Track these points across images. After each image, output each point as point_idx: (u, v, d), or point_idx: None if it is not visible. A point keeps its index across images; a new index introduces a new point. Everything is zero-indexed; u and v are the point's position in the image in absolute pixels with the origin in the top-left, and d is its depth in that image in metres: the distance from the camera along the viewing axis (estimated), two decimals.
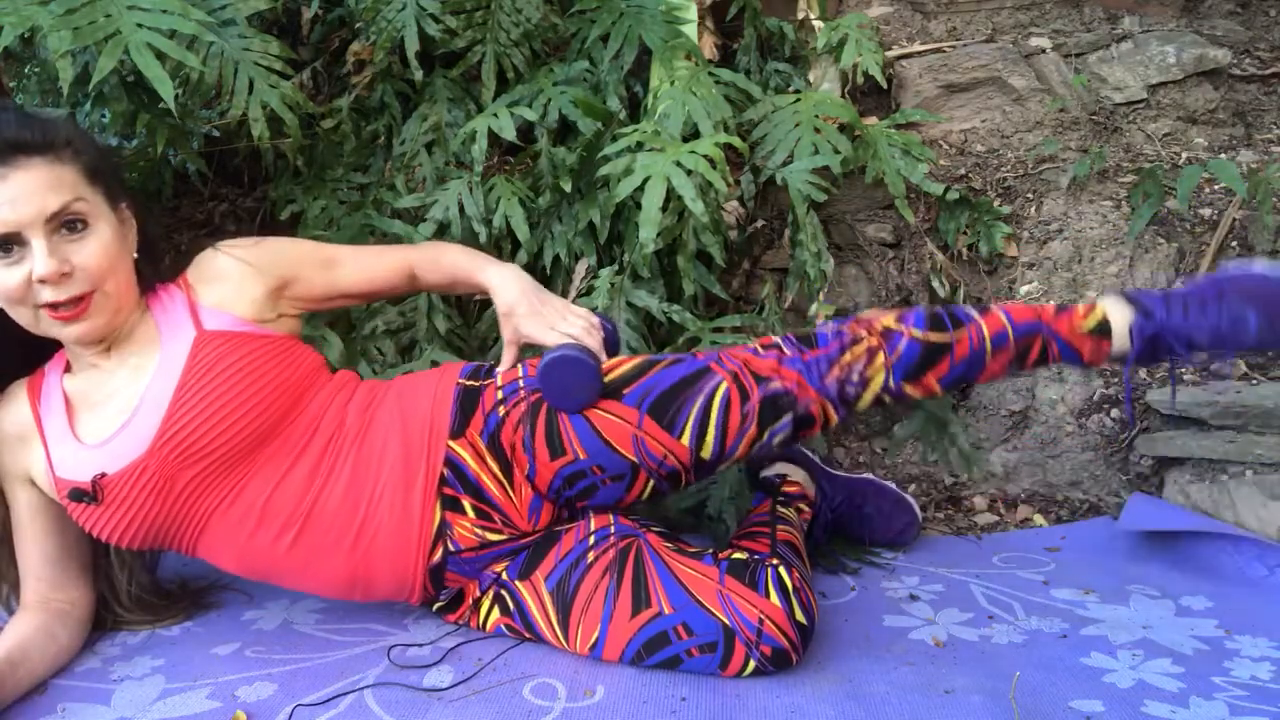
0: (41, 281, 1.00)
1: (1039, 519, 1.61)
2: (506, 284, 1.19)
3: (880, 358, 1.11)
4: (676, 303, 1.66)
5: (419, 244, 1.31)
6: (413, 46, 1.82)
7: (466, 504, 1.13)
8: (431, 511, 1.12)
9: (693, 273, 1.66)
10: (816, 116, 1.78)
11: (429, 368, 1.45)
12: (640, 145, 1.59)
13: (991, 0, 2.17)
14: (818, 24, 2.08)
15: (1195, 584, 1.30)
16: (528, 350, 1.23)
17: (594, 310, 1.24)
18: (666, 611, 1.04)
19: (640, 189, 1.51)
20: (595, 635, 1.07)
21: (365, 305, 1.64)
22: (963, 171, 1.96)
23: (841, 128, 1.81)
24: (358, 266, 1.24)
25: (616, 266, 1.67)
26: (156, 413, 1.05)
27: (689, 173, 1.50)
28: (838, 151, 1.73)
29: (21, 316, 1.04)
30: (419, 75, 1.85)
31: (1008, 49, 2.04)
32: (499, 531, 1.14)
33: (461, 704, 1.00)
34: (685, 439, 1.09)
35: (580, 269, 1.72)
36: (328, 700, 1.01)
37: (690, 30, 1.85)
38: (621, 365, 1.14)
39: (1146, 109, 2.01)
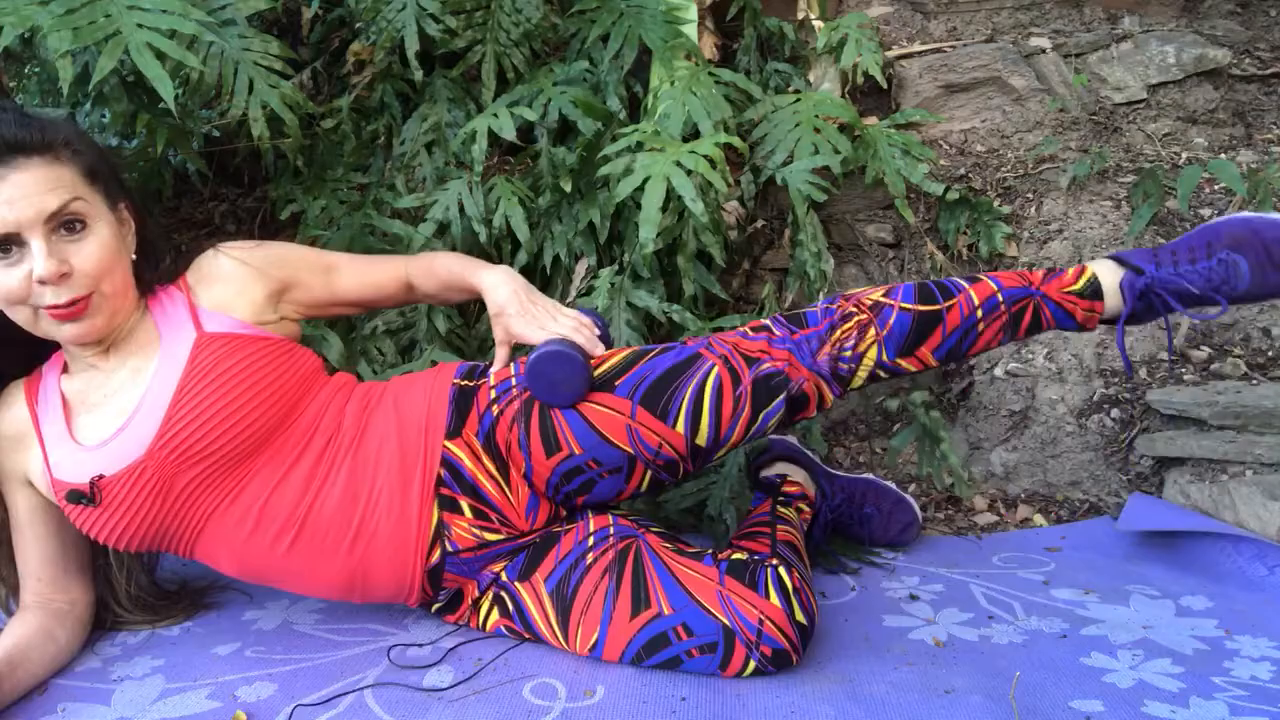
0: (41, 282, 1.00)
1: (1039, 519, 1.61)
2: (498, 285, 1.20)
3: (871, 332, 1.11)
4: (676, 303, 1.66)
5: (414, 255, 1.32)
6: (413, 46, 1.82)
7: (464, 504, 1.13)
8: (429, 512, 1.12)
9: (693, 273, 1.66)
10: (816, 116, 1.78)
11: (428, 368, 1.45)
12: (640, 145, 1.59)
13: (991, 0, 2.17)
14: (818, 24, 2.08)
15: (1195, 584, 1.30)
16: (519, 350, 1.24)
17: (591, 309, 1.24)
18: (666, 612, 1.04)
19: (640, 189, 1.51)
20: (595, 636, 1.07)
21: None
22: (963, 171, 1.96)
23: (841, 128, 1.81)
24: (356, 274, 1.25)
25: (616, 266, 1.67)
26: (155, 415, 1.05)
27: (689, 173, 1.50)
28: (838, 151, 1.73)
29: (20, 316, 1.04)
30: (419, 75, 1.85)
31: (1008, 49, 2.04)
32: (497, 531, 1.14)
33: (461, 704, 1.00)
34: (680, 427, 1.09)
35: (580, 269, 1.72)
36: (328, 700, 1.01)
37: (690, 30, 1.85)
38: (611, 358, 1.14)
39: (1146, 109, 2.01)
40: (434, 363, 1.60)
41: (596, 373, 1.11)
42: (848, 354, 1.11)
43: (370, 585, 1.13)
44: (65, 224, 1.02)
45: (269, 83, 1.66)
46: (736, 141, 1.60)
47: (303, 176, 1.93)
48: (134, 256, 1.12)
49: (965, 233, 1.88)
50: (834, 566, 1.41)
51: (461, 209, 1.74)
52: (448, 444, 1.14)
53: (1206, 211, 1.83)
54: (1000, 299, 1.13)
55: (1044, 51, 2.06)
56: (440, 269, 1.26)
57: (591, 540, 1.13)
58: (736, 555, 1.10)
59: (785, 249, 1.91)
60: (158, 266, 1.15)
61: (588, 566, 1.10)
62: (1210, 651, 1.09)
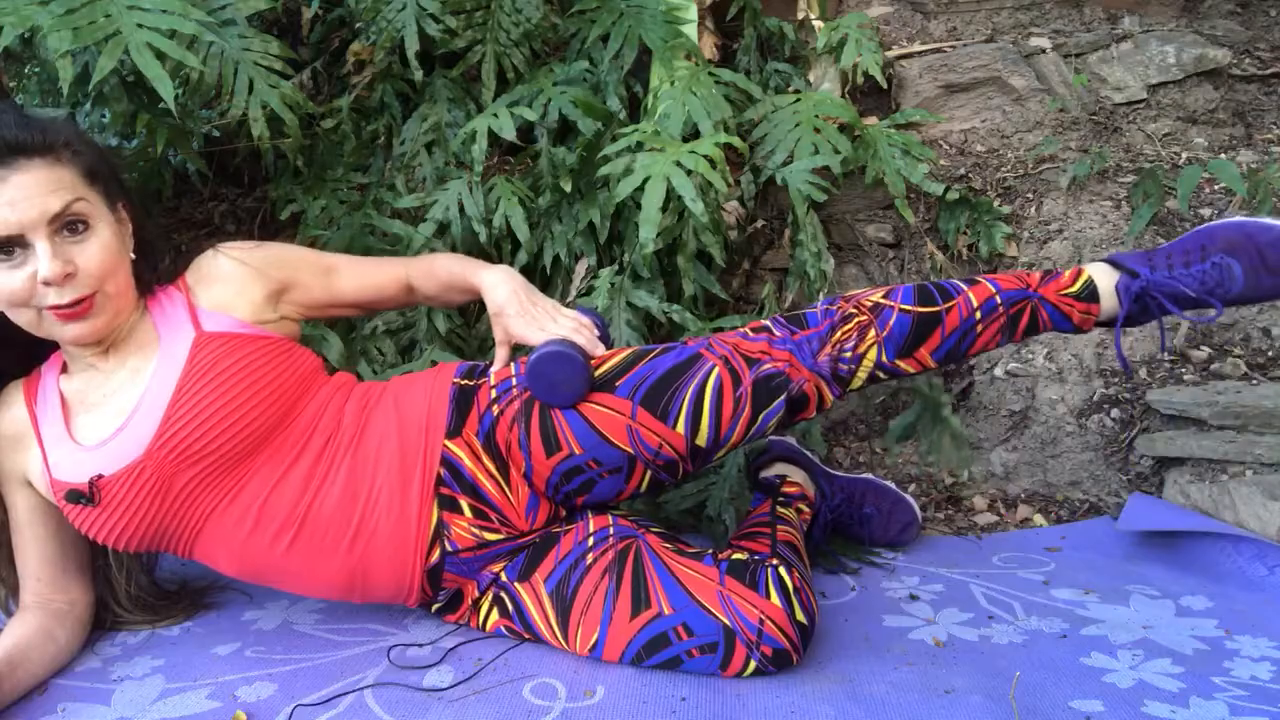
0: (46, 283, 1.00)
1: (1039, 519, 1.61)
2: (497, 285, 1.20)
3: (871, 333, 1.11)
4: (676, 303, 1.66)
5: (415, 257, 1.32)
6: (413, 46, 1.82)
7: (464, 504, 1.13)
8: (429, 511, 1.12)
9: (693, 273, 1.66)
10: (816, 116, 1.78)
11: (428, 368, 1.45)
12: (640, 145, 1.59)
13: (991, 0, 2.17)
14: (818, 24, 2.08)
15: (1195, 584, 1.30)
16: (519, 350, 1.24)
17: (591, 309, 1.24)
18: (666, 612, 1.04)
19: (640, 189, 1.51)
20: (595, 636, 1.07)
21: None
22: (963, 171, 1.96)
23: (841, 128, 1.81)
24: (356, 275, 1.25)
25: (616, 266, 1.67)
26: (155, 414, 1.05)
27: (689, 173, 1.50)
28: (838, 151, 1.73)
29: (23, 318, 1.04)
30: (419, 75, 1.85)
31: (1008, 49, 2.04)
32: (496, 531, 1.14)
33: (461, 704, 1.00)
34: (680, 427, 1.09)
35: (580, 269, 1.72)
36: (328, 700, 1.01)
37: (690, 30, 1.85)
38: (612, 358, 1.14)
39: (1146, 109, 2.01)
40: (434, 363, 1.60)
41: (597, 373, 1.11)
42: (848, 355, 1.11)
43: (370, 585, 1.13)
44: (68, 225, 1.02)
45: (269, 83, 1.66)
46: (736, 141, 1.60)
47: (303, 176, 1.93)
48: (133, 256, 1.12)
49: (965, 233, 1.88)
50: (834, 566, 1.41)
51: (461, 209, 1.74)
52: (448, 443, 1.14)
53: (1206, 211, 1.83)
54: (998, 301, 1.14)
55: (1044, 51, 2.06)
56: (440, 270, 1.27)
57: (591, 540, 1.13)
58: (737, 555, 1.10)
59: (785, 249, 1.91)
60: (156, 267, 1.15)
61: (588, 567, 1.10)
62: (1210, 651, 1.09)
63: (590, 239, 1.72)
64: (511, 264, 1.75)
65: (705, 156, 1.51)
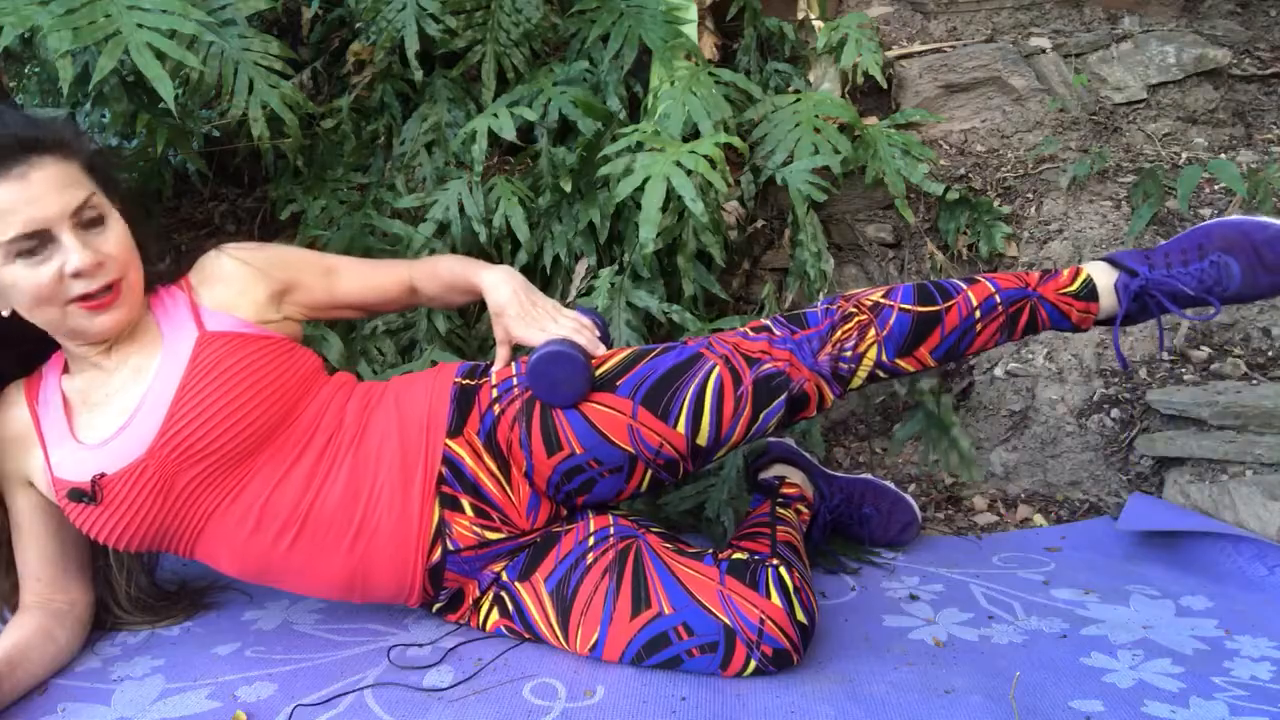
0: (77, 275, 1.02)
1: (1039, 519, 1.61)
2: (498, 285, 1.20)
3: (871, 332, 1.11)
4: (676, 303, 1.66)
5: (417, 259, 1.32)
6: (413, 46, 1.82)
7: (465, 502, 1.13)
8: (430, 510, 1.12)
9: (693, 273, 1.66)
10: (816, 116, 1.78)
11: (428, 368, 1.45)
12: (640, 145, 1.59)
13: (991, 0, 2.18)
14: (818, 24, 2.08)
15: (1195, 584, 1.30)
16: (519, 350, 1.24)
17: (591, 309, 1.24)
18: (667, 612, 1.04)
19: (640, 189, 1.51)
20: (595, 636, 1.07)
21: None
22: (963, 171, 1.96)
23: (841, 128, 1.81)
24: (358, 277, 1.25)
25: (616, 266, 1.67)
26: (157, 413, 1.06)
27: (689, 173, 1.50)
28: (838, 151, 1.73)
29: (47, 316, 1.05)
30: (419, 75, 1.85)
31: (1008, 49, 2.04)
32: (497, 530, 1.14)
33: (461, 704, 1.00)
34: (680, 427, 1.09)
35: (580, 269, 1.72)
36: (328, 700, 1.01)
37: (690, 30, 1.85)
38: (612, 357, 1.14)
39: (1146, 109, 2.01)
40: (434, 363, 1.60)
41: (598, 372, 1.11)
42: (848, 354, 1.11)
43: (371, 583, 1.13)
44: (87, 218, 1.04)
45: (269, 83, 1.66)
46: (736, 141, 1.60)
47: (303, 176, 1.93)
48: None
49: (965, 233, 1.88)
50: (834, 566, 1.41)
51: (461, 209, 1.74)
52: (449, 442, 1.14)
53: (1206, 211, 1.83)
54: (998, 300, 1.14)
55: (1044, 51, 2.06)
56: (443, 271, 1.27)
57: (592, 540, 1.13)
58: (737, 555, 1.10)
59: (785, 249, 1.91)
60: (153, 265, 1.16)
61: (588, 566, 1.10)
62: (1210, 651, 1.09)
63: (590, 239, 1.72)
64: (511, 264, 1.75)
65: (705, 156, 1.51)
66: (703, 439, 1.10)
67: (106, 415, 1.09)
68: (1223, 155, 1.93)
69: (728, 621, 1.02)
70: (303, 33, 2.08)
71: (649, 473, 1.12)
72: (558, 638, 1.10)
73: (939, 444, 1.59)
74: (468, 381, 1.18)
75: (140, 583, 1.26)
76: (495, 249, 1.76)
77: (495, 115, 1.71)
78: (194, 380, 1.06)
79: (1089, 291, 1.16)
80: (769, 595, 1.04)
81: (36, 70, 2.16)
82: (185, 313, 1.12)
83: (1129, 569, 1.37)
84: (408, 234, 1.72)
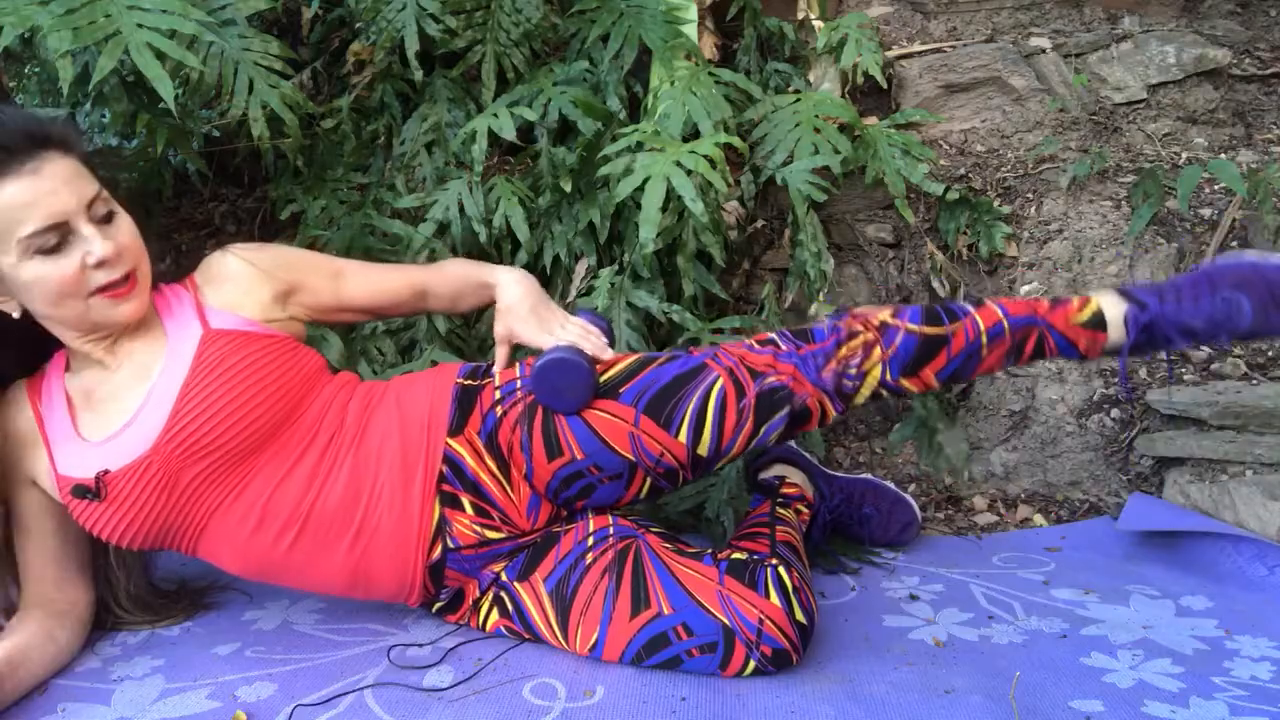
0: (100, 264, 1.03)
1: (1039, 519, 1.61)
2: (511, 283, 1.21)
3: (877, 351, 1.11)
4: (676, 303, 1.66)
5: (427, 264, 1.32)
6: (413, 46, 1.82)
7: (465, 501, 1.13)
8: (430, 508, 1.12)
9: (693, 273, 1.66)
10: (816, 116, 1.77)
11: (428, 368, 1.45)
12: (640, 145, 1.59)
13: (991, 0, 2.17)
14: (818, 24, 2.08)
15: (1195, 584, 1.30)
16: (519, 351, 1.24)
17: (595, 313, 1.25)
18: (666, 612, 1.04)
19: (640, 189, 1.51)
20: (595, 636, 1.07)
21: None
22: (963, 171, 1.96)
23: (841, 128, 1.81)
24: (365, 280, 1.25)
25: (616, 266, 1.67)
26: (162, 410, 1.06)
27: (689, 173, 1.50)
28: (838, 151, 1.73)
29: (71, 310, 1.05)
30: (419, 75, 1.85)
31: (1008, 49, 2.04)
32: (498, 529, 1.14)
33: (461, 704, 1.00)
34: (682, 436, 1.09)
35: (580, 269, 1.72)
36: (328, 700, 1.01)
37: (690, 30, 1.85)
38: (617, 364, 1.14)
39: (1146, 109, 2.01)
40: (434, 363, 1.61)
41: (602, 379, 1.11)
42: (852, 371, 1.11)
43: (372, 581, 1.13)
44: (100, 213, 1.05)
45: (269, 83, 1.66)
46: (736, 141, 1.60)
47: (303, 176, 1.93)
48: None
49: (965, 233, 1.88)
50: (834, 566, 1.41)
51: (461, 209, 1.74)
52: (450, 441, 1.14)
53: (1206, 211, 1.83)
54: (1005, 325, 1.14)
55: (1044, 51, 2.06)
56: (453, 272, 1.28)
57: (591, 540, 1.13)
58: (736, 555, 1.10)
59: (785, 249, 1.91)
60: (153, 265, 1.16)
61: (587, 566, 1.10)
62: (1210, 651, 1.09)
63: (590, 239, 1.72)
64: (511, 264, 1.75)
65: (705, 156, 1.51)
66: (704, 449, 1.10)
67: (110, 412, 1.09)
68: (1223, 155, 1.93)
69: (727, 622, 1.02)
70: (303, 33, 2.08)
71: (648, 480, 1.13)
72: (557, 638, 1.10)
73: (929, 449, 1.59)
74: (469, 382, 1.18)
75: (140, 582, 1.26)
76: (495, 249, 1.76)
77: (495, 115, 1.71)
78: (199, 377, 1.06)
79: (1098, 321, 1.15)
80: (768, 595, 1.04)
81: (36, 70, 2.16)
82: (190, 311, 1.12)
83: (1129, 569, 1.37)
84: (408, 234, 1.72)
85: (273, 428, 1.08)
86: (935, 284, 1.87)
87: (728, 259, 1.76)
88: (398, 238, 1.75)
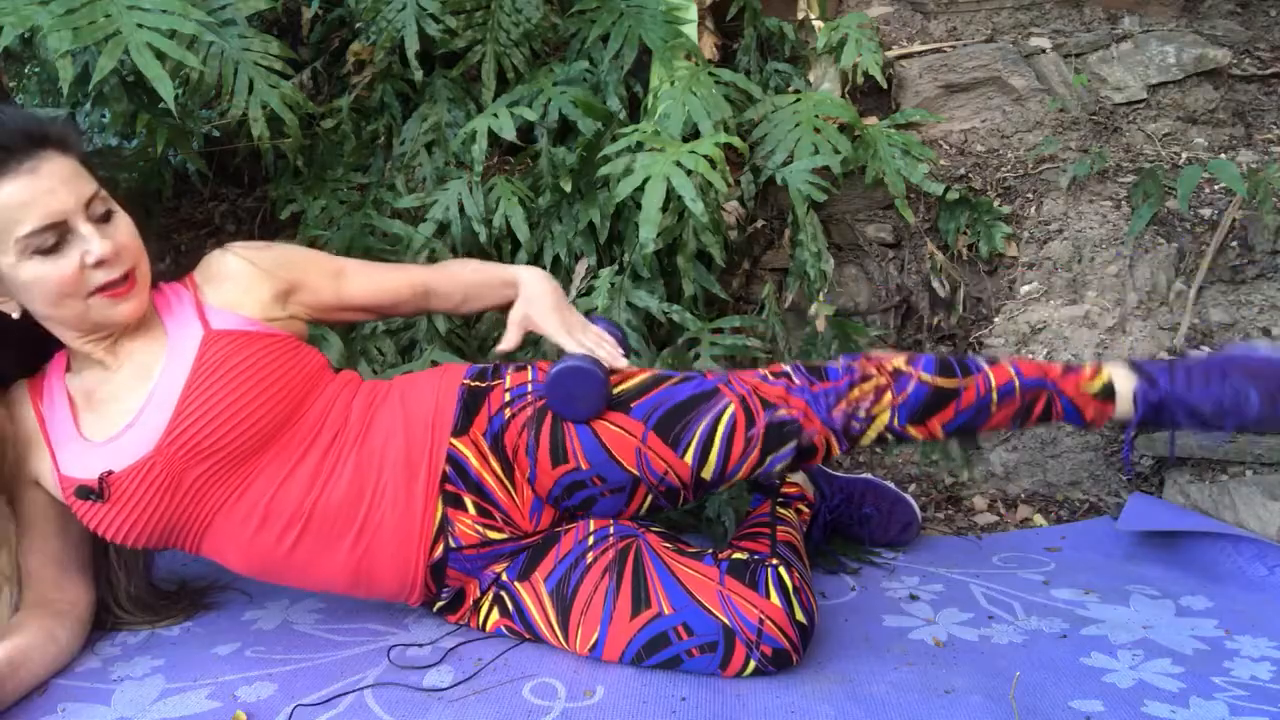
0: (99, 263, 1.03)
1: (1039, 519, 1.61)
2: (536, 279, 1.24)
3: (888, 397, 1.12)
4: (676, 303, 1.66)
5: (434, 264, 1.33)
6: (413, 46, 1.82)
7: (468, 501, 1.13)
8: (433, 507, 1.12)
9: (693, 273, 1.66)
10: (816, 116, 1.77)
11: (428, 368, 1.45)
12: (640, 145, 1.59)
13: (991, 0, 2.17)
14: (818, 24, 2.08)
15: (1195, 584, 1.30)
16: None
17: (607, 319, 1.25)
18: (667, 612, 1.04)
19: (640, 189, 1.51)
20: (595, 636, 1.07)
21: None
22: (963, 171, 1.96)
23: (841, 128, 1.81)
24: (367, 279, 1.25)
25: (616, 266, 1.67)
26: (164, 410, 1.06)
27: (689, 173, 1.50)
28: (838, 151, 1.73)
29: (71, 310, 1.05)
30: (419, 75, 1.85)
31: (1008, 49, 2.04)
32: (500, 530, 1.14)
33: (461, 704, 1.00)
34: (688, 457, 1.10)
35: (580, 269, 1.72)
36: (328, 700, 1.01)
37: (690, 30, 1.85)
38: (631, 377, 1.15)
39: (1146, 109, 2.01)
40: (434, 363, 1.61)
41: (614, 391, 1.12)
42: (861, 414, 1.12)
43: (374, 580, 1.13)
44: (98, 213, 1.05)
45: (269, 83, 1.66)
46: (736, 141, 1.61)
47: (303, 176, 1.93)
48: None
49: (965, 233, 1.88)
50: (834, 566, 1.41)
51: (461, 209, 1.74)
52: (454, 441, 1.14)
53: (1206, 211, 1.83)
54: (1017, 386, 1.14)
55: (1044, 51, 2.06)
56: (468, 272, 1.29)
57: (592, 540, 1.13)
58: (737, 555, 1.10)
59: (785, 249, 1.91)
60: (153, 265, 1.16)
61: (588, 566, 1.10)
62: (1210, 651, 1.09)
63: (590, 239, 1.72)
64: (512, 264, 1.75)
65: (705, 156, 1.51)
66: (708, 473, 1.11)
67: (112, 413, 1.09)
68: (1223, 155, 1.93)
69: (727, 621, 1.02)
70: (303, 33, 2.08)
71: (650, 497, 1.13)
72: (557, 637, 1.10)
73: (931, 443, 1.59)
74: (477, 384, 1.19)
75: (140, 583, 1.26)
76: (495, 249, 1.76)
77: (495, 115, 1.71)
78: (200, 378, 1.06)
79: (1108, 393, 1.16)
80: (768, 595, 1.04)
81: (36, 70, 2.16)
82: (190, 310, 1.12)
83: (1129, 569, 1.37)
84: (408, 234, 1.72)
85: (275, 428, 1.08)
86: (935, 284, 1.87)
87: (728, 259, 1.76)
88: (398, 238, 1.75)
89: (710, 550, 1.12)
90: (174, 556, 1.46)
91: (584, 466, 1.11)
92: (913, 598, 1.28)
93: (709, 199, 1.63)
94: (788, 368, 1.17)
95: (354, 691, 1.03)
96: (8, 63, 2.01)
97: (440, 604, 1.20)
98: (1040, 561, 1.41)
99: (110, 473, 1.06)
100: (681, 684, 1.03)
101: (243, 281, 1.15)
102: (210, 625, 1.25)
